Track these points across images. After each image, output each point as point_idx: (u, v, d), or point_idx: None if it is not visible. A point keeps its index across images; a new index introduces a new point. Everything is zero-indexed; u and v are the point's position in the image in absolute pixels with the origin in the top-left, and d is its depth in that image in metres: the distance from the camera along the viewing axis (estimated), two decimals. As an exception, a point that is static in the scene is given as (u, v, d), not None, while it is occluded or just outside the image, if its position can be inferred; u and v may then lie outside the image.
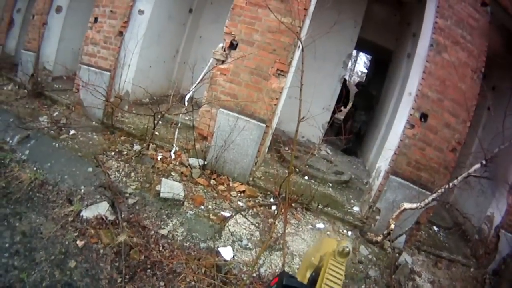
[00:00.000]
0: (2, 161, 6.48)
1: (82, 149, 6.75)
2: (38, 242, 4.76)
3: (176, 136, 6.73)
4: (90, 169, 6.17)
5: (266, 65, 5.70)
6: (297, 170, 6.77)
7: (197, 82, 6.20)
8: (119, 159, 6.49)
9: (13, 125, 7.57)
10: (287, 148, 8.09)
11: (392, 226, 5.29)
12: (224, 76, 5.91)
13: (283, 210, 5.50)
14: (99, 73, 7.51)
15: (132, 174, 6.17)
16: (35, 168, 6.22)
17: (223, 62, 5.95)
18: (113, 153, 6.69)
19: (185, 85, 9.63)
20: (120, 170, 6.23)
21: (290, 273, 1.30)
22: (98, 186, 5.73)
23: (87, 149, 6.79)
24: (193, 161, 6.35)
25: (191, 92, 6.49)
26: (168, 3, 8.40)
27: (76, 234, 4.95)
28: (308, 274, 1.37)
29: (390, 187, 5.75)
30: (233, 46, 5.86)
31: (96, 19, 7.76)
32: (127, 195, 5.65)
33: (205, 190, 6.03)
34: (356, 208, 6.31)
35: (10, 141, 7.13)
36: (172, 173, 6.28)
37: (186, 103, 6.59)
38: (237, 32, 5.78)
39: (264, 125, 5.80)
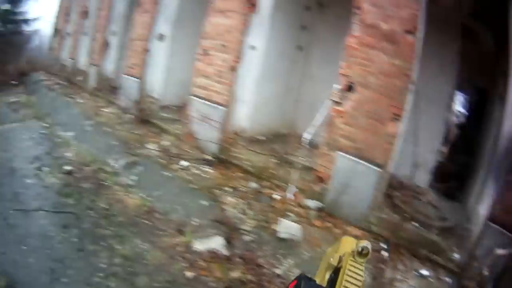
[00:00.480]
0: (105, 183, 6.90)
1: (196, 181, 6.97)
2: (141, 267, 4.83)
3: (293, 177, 6.70)
4: (205, 203, 6.32)
5: (382, 108, 5.68)
6: (406, 215, 6.74)
7: (316, 123, 6.40)
8: (236, 195, 6.60)
9: (118, 149, 8.20)
10: (398, 193, 8.08)
11: (485, 273, 5.18)
12: (342, 118, 5.95)
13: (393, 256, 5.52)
14: (213, 107, 7.99)
15: (249, 211, 6.22)
16: (142, 195, 6.47)
17: (340, 103, 5.99)
18: (229, 189, 6.81)
19: (298, 123, 9.66)
20: (237, 207, 6.30)
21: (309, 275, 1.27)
22: (213, 220, 5.81)
23: (201, 182, 7.00)
24: (310, 203, 6.38)
25: (309, 133, 6.51)
26: (279, 40, 8.53)
27: (185, 265, 4.95)
28: (327, 276, 1.34)
29: (488, 234, 5.52)
30: (349, 88, 5.91)
31: (205, 52, 8.32)
32: (243, 232, 5.71)
33: (321, 233, 6.02)
34: (457, 255, 6.19)
35: (115, 164, 7.62)
36: (289, 213, 6.26)
37: (304, 144, 6.62)
38: (353, 74, 5.83)
39: (381, 170, 5.78)
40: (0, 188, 6.86)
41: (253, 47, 7.91)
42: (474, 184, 8.21)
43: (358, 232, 6.04)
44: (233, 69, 7.87)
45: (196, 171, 7.42)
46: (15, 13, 22.75)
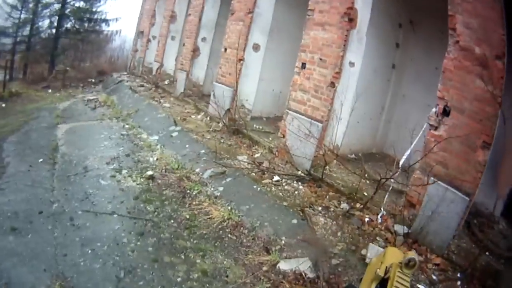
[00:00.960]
0: (189, 192, 6.74)
1: (287, 198, 6.71)
2: (220, 285, 4.64)
3: (385, 200, 6.44)
4: (295, 221, 6.03)
5: (474, 135, 5.50)
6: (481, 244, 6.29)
7: (412, 147, 6.24)
8: (326, 215, 6.30)
9: (205, 158, 8.09)
10: (475, 221, 7.39)
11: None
12: (437, 143, 5.76)
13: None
14: (310, 123, 7.68)
15: (339, 233, 5.93)
16: (229, 208, 6.25)
17: (436, 127, 5.86)
18: (320, 208, 6.48)
19: (388, 143, 9.29)
20: (327, 228, 6.02)
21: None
22: (302, 240, 5.57)
23: (292, 199, 6.73)
24: (398, 228, 6.11)
25: (405, 156, 6.35)
26: (374, 57, 8.20)
27: (268, 285, 4.71)
28: (373, 286, 1.32)
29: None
30: (445, 112, 5.77)
31: (303, 65, 8.14)
32: (332, 254, 5.37)
33: (406, 260, 5.42)
34: None
35: (201, 173, 7.49)
36: (378, 238, 6.00)
37: (400, 167, 6.35)
38: (449, 98, 5.73)
39: (468, 199, 5.51)
40: (70, 187, 7.01)
41: (352, 64, 7.70)
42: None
43: (438, 260, 5.68)
44: (332, 85, 7.67)
45: (288, 187, 7.11)
46: (92, 12, 24.01)
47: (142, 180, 7.19)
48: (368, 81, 8.19)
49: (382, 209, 6.40)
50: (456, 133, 5.62)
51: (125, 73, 15.30)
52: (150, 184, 7.05)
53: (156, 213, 6.09)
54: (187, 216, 5.96)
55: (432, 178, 5.78)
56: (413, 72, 9.41)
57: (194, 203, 6.38)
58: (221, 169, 7.38)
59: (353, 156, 8.46)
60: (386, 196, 6.43)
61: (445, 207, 5.64)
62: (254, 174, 7.42)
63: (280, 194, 6.77)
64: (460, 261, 5.68)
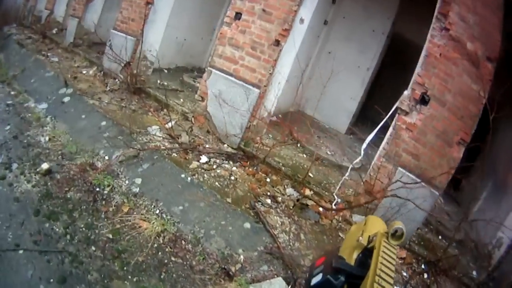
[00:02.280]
0: (98, 190, 4.83)
1: (226, 189, 5.05)
2: None
3: (340, 185, 5.50)
4: (247, 225, 4.52)
5: (452, 131, 5.09)
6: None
7: (375, 130, 5.51)
8: (278, 210, 4.90)
9: (108, 133, 5.94)
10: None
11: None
12: (410, 132, 5.18)
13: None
14: (243, 87, 5.87)
15: (302, 236, 4.63)
16: (158, 212, 4.50)
17: (408, 114, 5.16)
18: (268, 201, 5.02)
19: (308, 103, 8.32)
20: (287, 230, 4.64)
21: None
22: (264, 252, 4.21)
23: (232, 189, 5.05)
24: (357, 219, 5.21)
25: (367, 141, 5.53)
26: (319, 12, 6.72)
27: None
28: (355, 255, 1.13)
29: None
30: (423, 100, 5.12)
31: (238, 15, 6.05)
32: (304, 268, 4.15)
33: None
34: (475, 273, 5.46)
35: (107, 158, 5.46)
36: (340, 234, 4.97)
37: (362, 152, 5.53)
38: (430, 86, 5.09)
39: (437, 194, 5.14)
40: None
41: (302, 21, 5.94)
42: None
43: (404, 253, 5.09)
44: (277, 43, 5.78)
45: (221, 172, 5.35)
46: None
47: (38, 178, 5.04)
48: (307, 39, 6.63)
49: (335, 196, 5.36)
50: (433, 125, 5.11)
51: (15, 25, 11.69)
52: (49, 184, 4.94)
53: (68, 236, 4.22)
54: (110, 236, 4.18)
55: (399, 168, 5.16)
56: (344, 30, 8.38)
57: (110, 209, 4.52)
58: (132, 151, 5.30)
59: (274, 118, 6.76)
60: (341, 181, 5.50)
61: (413, 199, 4.91)
62: (175, 154, 5.44)
63: (216, 183, 5.07)
64: (423, 253, 5.20)
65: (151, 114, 6.35)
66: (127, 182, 4.94)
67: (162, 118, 6.28)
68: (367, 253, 1.12)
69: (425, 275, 4.97)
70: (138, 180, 4.94)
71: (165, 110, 6.55)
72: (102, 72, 7.71)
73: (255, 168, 5.60)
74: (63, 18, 10.31)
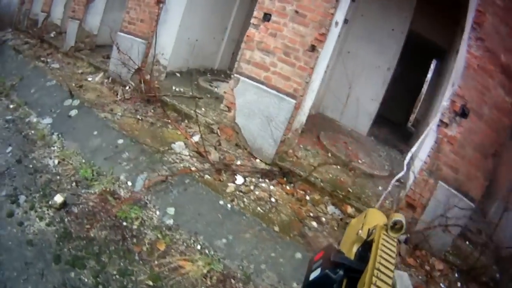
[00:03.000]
0: (126, 225, 3.92)
1: (270, 214, 4.17)
2: None
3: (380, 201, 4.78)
4: (299, 255, 3.80)
5: (488, 143, 4.76)
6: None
7: (419, 143, 4.88)
8: (325, 233, 4.18)
9: (128, 152, 4.90)
10: None
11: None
12: (451, 145, 4.73)
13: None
14: (277, 97, 4.92)
15: None
16: (200, 247, 3.70)
17: (446, 125, 4.69)
18: (314, 223, 4.29)
19: (330, 106, 7.75)
20: None
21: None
22: None
23: (277, 215, 4.19)
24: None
25: (410, 154, 4.84)
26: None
27: None
28: (354, 249, 1.05)
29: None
30: (463, 113, 4.68)
31: (267, 16, 5.01)
32: None
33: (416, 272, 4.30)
34: (498, 275, 4.95)
35: (130, 184, 4.46)
36: None
37: (405, 168, 4.80)
38: (469, 99, 4.66)
39: (474, 205, 4.79)
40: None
41: (337, 24, 4.99)
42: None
43: (441, 265, 4.61)
44: (312, 48, 4.80)
45: (260, 193, 4.46)
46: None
47: (51, 213, 4.06)
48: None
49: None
50: (472, 138, 4.77)
51: (10, 30, 10.33)
52: (66, 220, 3.96)
53: (101, 287, 3.32)
54: (150, 283, 3.33)
55: (440, 182, 4.80)
56: (362, 28, 7.53)
57: (144, 248, 3.62)
58: (157, 176, 4.34)
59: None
60: (383, 196, 4.77)
61: (450, 212, 4.75)
62: (208, 176, 4.49)
63: (258, 208, 4.22)
64: (454, 260, 4.76)
65: (172, 127, 5.36)
66: (158, 213, 4.02)
67: (185, 131, 5.30)
68: (367, 246, 1.01)
69: (459, 284, 4.56)
70: (171, 210, 4.02)
71: (186, 121, 5.56)
72: (110, 79, 6.58)
73: (292, 185, 4.72)
74: (61, 20, 9.04)
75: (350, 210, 4.54)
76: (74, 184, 4.46)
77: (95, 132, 5.20)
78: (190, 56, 7.23)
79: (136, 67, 6.04)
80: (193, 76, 6.76)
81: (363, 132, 7.67)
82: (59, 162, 4.79)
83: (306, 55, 4.77)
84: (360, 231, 1.08)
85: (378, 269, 0.87)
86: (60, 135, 5.26)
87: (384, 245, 0.93)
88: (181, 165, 4.62)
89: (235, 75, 5.20)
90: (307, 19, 4.76)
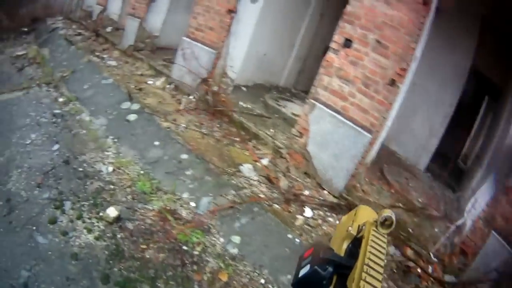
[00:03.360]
0: (186, 249, 3.45)
1: None
2: None
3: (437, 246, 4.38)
4: None
5: None
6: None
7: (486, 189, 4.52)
8: (385, 275, 3.74)
9: (192, 170, 4.34)
10: None
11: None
12: (508, 196, 4.16)
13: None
14: (353, 129, 4.39)
15: None
16: (264, 281, 3.26)
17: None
18: None
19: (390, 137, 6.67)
20: None
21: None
22: None
23: None
24: (447, 278, 4.27)
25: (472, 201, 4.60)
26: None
27: None
28: (344, 246, 1.00)
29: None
30: None
31: (348, 42, 4.47)
32: None
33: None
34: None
35: (193, 204, 3.93)
36: None
37: (465, 215, 4.67)
38: None
39: None
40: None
41: (416, 58, 4.42)
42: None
43: None
44: (392, 83, 4.22)
45: (326, 228, 3.96)
46: None
47: (102, 226, 3.55)
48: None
49: (432, 256, 4.39)
50: None
51: (61, 18, 10.03)
52: (119, 236, 3.45)
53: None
54: None
55: (493, 232, 4.36)
56: (427, 61, 6.28)
57: (204, 277, 3.18)
58: (225, 198, 3.87)
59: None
60: (441, 241, 4.43)
61: (498, 261, 4.27)
62: (277, 205, 3.94)
63: None
64: None
65: (240, 146, 4.79)
66: (222, 240, 3.51)
67: (253, 152, 4.74)
68: (356, 243, 0.97)
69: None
70: (236, 239, 3.51)
71: (254, 141, 4.98)
72: (172, 85, 6.01)
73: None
74: (119, 16, 8.63)
75: (409, 252, 4.02)
76: (130, 197, 3.91)
77: (156, 142, 4.62)
78: (257, 70, 6.63)
79: (203, 77, 5.52)
80: (259, 92, 6.25)
81: (421, 167, 7.07)
82: (113, 170, 4.23)
83: (385, 89, 4.19)
84: (350, 227, 1.02)
85: (368, 265, 0.84)
86: (116, 140, 4.69)
87: (374, 241, 0.90)
88: (249, 190, 4.06)
89: (311, 100, 4.64)
90: (388, 51, 4.19)
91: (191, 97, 5.64)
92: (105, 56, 6.96)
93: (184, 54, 5.72)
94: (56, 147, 4.61)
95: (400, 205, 4.94)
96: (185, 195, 3.92)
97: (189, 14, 6.30)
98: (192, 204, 3.85)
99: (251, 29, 5.71)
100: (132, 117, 5.06)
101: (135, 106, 5.24)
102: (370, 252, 0.87)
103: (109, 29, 8.26)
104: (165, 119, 4.99)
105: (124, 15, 8.18)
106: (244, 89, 6.42)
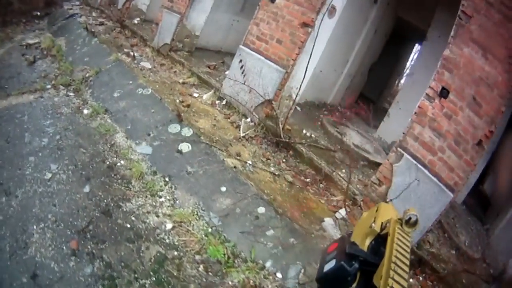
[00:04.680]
0: None
1: None
2: None
3: None
4: None
5: None
6: None
7: None
8: None
9: (272, 229, 3.17)
10: None
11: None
12: None
13: None
14: (437, 187, 3.53)
15: None
16: None
17: None
18: None
19: None
20: None
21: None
22: None
23: None
24: None
25: None
26: None
27: None
28: (367, 242, 0.92)
29: None
30: None
31: (444, 92, 3.58)
32: None
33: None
34: None
35: (278, 274, 2.83)
36: None
37: None
38: None
39: None
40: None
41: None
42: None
43: None
44: (480, 144, 3.50)
45: None
46: None
47: None
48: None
49: None
50: None
51: (78, 3, 8.27)
52: None
53: None
54: None
55: None
56: None
57: None
58: (294, 260, 2.86)
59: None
60: None
61: None
62: None
63: None
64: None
65: (313, 191, 3.59)
66: None
67: (327, 199, 3.56)
68: (379, 240, 0.90)
69: None
70: None
71: (324, 183, 3.81)
72: (223, 101, 4.61)
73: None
74: (147, 7, 6.96)
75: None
76: (202, 268, 2.68)
77: (223, 188, 3.30)
78: (311, 87, 5.42)
79: (268, 98, 4.19)
80: (312, 112, 5.02)
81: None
82: (173, 227, 2.96)
83: (473, 150, 3.45)
84: (373, 224, 0.92)
85: (395, 263, 0.78)
86: (168, 180, 3.34)
87: (400, 239, 0.83)
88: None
89: (399, 149, 3.67)
90: (481, 111, 3.41)
91: (248, 119, 4.34)
92: (136, 54, 5.35)
93: (244, 67, 4.37)
94: (87, 188, 3.22)
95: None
96: (269, 264, 2.75)
97: (234, 14, 4.90)
98: (279, 275, 2.71)
99: (323, 46, 4.45)
100: (185, 147, 3.68)
101: (187, 131, 3.85)
102: (396, 250, 0.80)
103: (136, 20, 6.60)
104: (227, 153, 3.64)
105: (154, 7, 6.52)
106: (298, 108, 5.17)
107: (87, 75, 4.83)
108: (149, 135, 3.84)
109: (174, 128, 3.89)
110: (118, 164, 3.51)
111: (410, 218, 0.85)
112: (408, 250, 0.82)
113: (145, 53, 5.65)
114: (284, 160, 4.02)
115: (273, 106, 4.23)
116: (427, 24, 6.56)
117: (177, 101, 4.30)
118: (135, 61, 5.18)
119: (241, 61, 4.45)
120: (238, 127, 4.22)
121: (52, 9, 7.64)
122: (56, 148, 3.62)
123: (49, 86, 4.58)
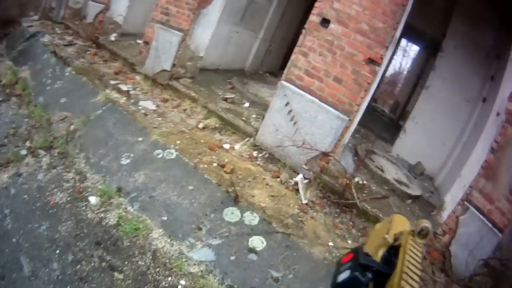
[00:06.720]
0: None
1: None
2: None
3: None
4: None
5: None
6: None
7: None
8: None
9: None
10: None
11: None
12: None
13: None
14: (497, 238, 2.93)
15: None
16: None
17: None
18: None
19: None
20: None
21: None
22: None
23: None
24: None
25: None
26: None
27: None
28: (380, 253, 0.81)
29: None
30: None
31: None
32: None
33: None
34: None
35: None
36: None
37: None
38: None
39: None
40: None
41: None
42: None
43: None
44: None
45: None
46: None
47: None
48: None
49: None
50: None
51: (36, 17, 5.46)
52: None
53: None
54: None
55: None
56: None
57: None
58: None
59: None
60: None
61: None
62: None
63: None
64: None
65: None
66: None
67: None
68: (392, 251, 0.80)
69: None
70: None
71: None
72: (262, 153, 3.24)
73: None
74: (124, 18, 4.79)
75: None
76: None
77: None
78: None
79: (326, 151, 3.02)
80: (364, 156, 3.98)
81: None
82: None
83: None
84: (386, 235, 0.82)
85: (407, 273, 0.70)
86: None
87: (411, 250, 0.75)
88: None
89: (465, 203, 3.13)
90: None
91: (300, 176, 3.16)
92: (127, 87, 3.59)
93: (291, 112, 3.10)
94: None
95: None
96: None
97: (234, 25, 3.44)
98: None
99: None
100: (257, 243, 2.42)
101: (251, 217, 2.55)
102: (408, 261, 0.72)
103: (113, 36, 4.47)
104: (308, 240, 2.47)
105: (133, 18, 4.47)
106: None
107: (71, 127, 3.04)
108: (200, 229, 2.47)
109: (231, 214, 2.56)
110: (179, 287, 2.20)
111: (422, 230, 0.74)
112: (420, 261, 0.73)
113: (137, 83, 3.83)
114: (351, 224, 3.07)
115: (329, 158, 3.13)
116: (427, 24, 5.77)
117: (215, 164, 2.90)
118: (132, 100, 3.44)
119: (288, 104, 3.11)
120: (293, 189, 3.07)
121: (10, 28, 4.92)
122: (77, 280, 2.12)
123: (24, 152, 2.78)
